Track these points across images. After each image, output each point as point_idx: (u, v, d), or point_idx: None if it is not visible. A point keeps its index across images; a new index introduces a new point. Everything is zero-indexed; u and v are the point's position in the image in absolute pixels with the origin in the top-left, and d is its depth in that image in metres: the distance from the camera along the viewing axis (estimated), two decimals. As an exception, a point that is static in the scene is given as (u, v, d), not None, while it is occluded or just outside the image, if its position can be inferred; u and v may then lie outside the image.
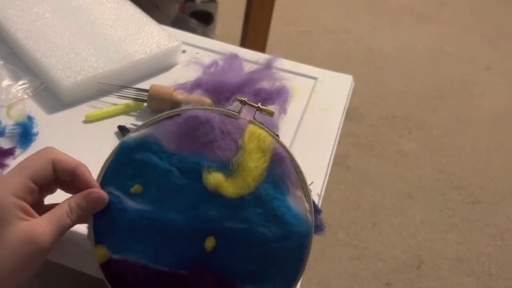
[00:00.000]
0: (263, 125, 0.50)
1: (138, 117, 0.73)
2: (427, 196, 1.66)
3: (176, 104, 0.72)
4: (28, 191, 0.46)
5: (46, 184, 0.48)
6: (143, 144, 0.49)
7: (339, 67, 2.06)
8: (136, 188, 0.49)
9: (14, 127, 0.66)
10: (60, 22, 0.82)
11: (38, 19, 0.82)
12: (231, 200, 0.48)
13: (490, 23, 2.60)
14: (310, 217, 0.49)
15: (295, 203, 0.49)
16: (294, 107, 0.78)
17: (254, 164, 0.48)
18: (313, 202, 0.57)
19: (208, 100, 0.72)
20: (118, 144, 0.50)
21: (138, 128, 0.51)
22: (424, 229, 1.55)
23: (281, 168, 0.49)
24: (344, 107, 0.82)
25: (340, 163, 1.71)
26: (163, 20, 0.94)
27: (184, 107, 0.52)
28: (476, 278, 1.45)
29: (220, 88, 0.73)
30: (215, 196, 0.48)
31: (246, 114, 0.51)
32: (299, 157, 0.72)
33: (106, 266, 0.48)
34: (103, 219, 0.49)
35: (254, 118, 0.51)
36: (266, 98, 0.73)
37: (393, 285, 1.40)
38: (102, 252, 0.48)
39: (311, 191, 0.59)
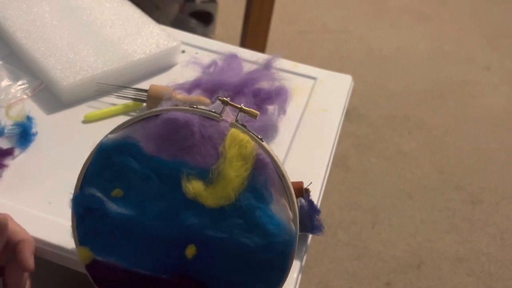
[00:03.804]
0: (245, 127, 0.48)
1: (137, 117, 0.73)
2: (427, 196, 1.66)
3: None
4: None
5: None
6: (122, 146, 0.48)
7: (339, 67, 2.06)
8: (116, 192, 0.48)
9: (13, 127, 0.66)
10: (59, 23, 0.82)
11: (38, 19, 0.81)
12: (211, 209, 0.46)
13: (490, 23, 2.60)
14: (294, 226, 0.47)
15: (278, 211, 0.46)
16: (294, 107, 0.78)
17: (235, 173, 0.45)
18: (312, 202, 0.57)
19: (207, 100, 0.72)
20: (97, 146, 0.49)
21: (117, 128, 0.49)
22: (424, 229, 1.55)
23: (264, 175, 0.46)
24: (344, 107, 0.82)
25: (340, 163, 1.70)
26: (162, 20, 0.94)
27: (163, 106, 0.50)
28: (476, 278, 1.44)
29: (219, 88, 0.73)
30: (195, 204, 0.46)
31: (229, 113, 0.48)
32: (299, 157, 0.72)
33: (91, 266, 0.49)
34: (85, 221, 0.48)
35: (237, 120, 0.48)
36: (266, 98, 0.73)
37: (393, 285, 1.40)
38: (86, 254, 0.48)
39: (309, 191, 0.59)
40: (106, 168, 0.48)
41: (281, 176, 0.47)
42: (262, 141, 0.47)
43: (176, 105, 0.49)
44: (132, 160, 0.47)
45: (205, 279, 0.47)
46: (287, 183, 0.47)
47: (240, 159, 0.46)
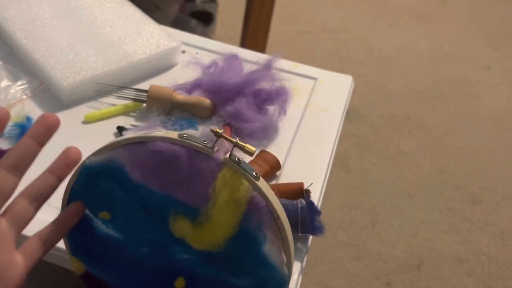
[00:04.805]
0: (240, 165, 0.42)
1: (137, 118, 0.73)
2: (427, 196, 1.66)
3: (175, 104, 0.72)
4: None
5: None
6: (107, 170, 0.44)
7: (339, 67, 2.06)
8: (104, 214, 0.45)
9: (13, 128, 0.66)
10: (59, 23, 0.82)
11: (38, 19, 0.81)
12: (199, 251, 0.44)
13: (490, 23, 2.60)
14: (287, 270, 0.44)
15: (272, 252, 0.43)
16: (294, 108, 0.78)
17: (225, 219, 0.42)
18: (313, 203, 0.57)
19: (207, 101, 0.72)
20: (80, 166, 0.45)
21: (100, 150, 0.45)
22: (424, 229, 1.55)
23: (258, 217, 0.42)
24: (344, 108, 0.82)
25: (340, 163, 1.70)
26: (162, 20, 0.94)
27: (149, 130, 0.46)
28: (476, 278, 1.44)
29: (219, 89, 0.73)
30: (183, 241, 0.44)
31: (224, 142, 0.43)
32: (299, 158, 0.72)
33: (84, 277, 0.48)
34: (75, 235, 0.47)
35: (231, 155, 0.43)
36: (266, 98, 0.73)
37: (393, 285, 1.40)
38: (78, 265, 0.48)
39: (309, 192, 0.58)
40: (91, 190, 0.45)
41: (277, 218, 0.43)
42: (258, 180, 0.43)
43: (166, 129, 0.46)
44: (117, 187, 0.44)
45: None
46: (283, 226, 0.43)
47: (232, 203, 0.42)
